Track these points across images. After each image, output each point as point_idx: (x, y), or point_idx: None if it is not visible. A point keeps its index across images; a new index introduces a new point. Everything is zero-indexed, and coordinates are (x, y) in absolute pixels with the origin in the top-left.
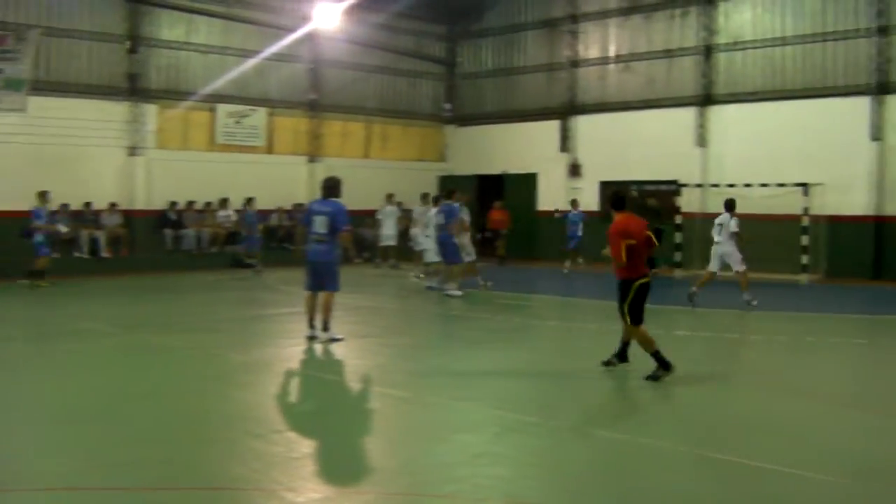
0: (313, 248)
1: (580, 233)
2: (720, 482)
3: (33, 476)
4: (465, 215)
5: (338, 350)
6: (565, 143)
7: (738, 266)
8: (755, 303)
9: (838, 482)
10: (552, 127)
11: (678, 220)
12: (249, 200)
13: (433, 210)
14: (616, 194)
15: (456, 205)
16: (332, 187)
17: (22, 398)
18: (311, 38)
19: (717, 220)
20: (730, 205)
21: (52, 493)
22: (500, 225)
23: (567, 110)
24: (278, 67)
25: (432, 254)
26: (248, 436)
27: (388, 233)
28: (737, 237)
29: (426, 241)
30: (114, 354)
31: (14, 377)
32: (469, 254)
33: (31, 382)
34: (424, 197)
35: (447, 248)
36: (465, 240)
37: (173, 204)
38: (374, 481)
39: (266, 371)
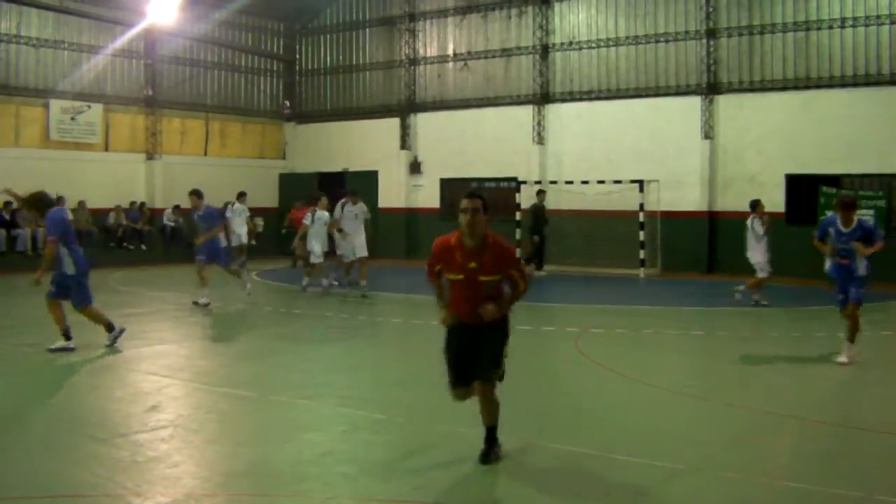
0: None
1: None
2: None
3: None
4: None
5: (180, 352)
6: (405, 140)
7: (760, 272)
8: (764, 302)
9: (674, 468)
10: (392, 124)
11: (517, 216)
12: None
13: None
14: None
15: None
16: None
17: None
18: (147, 33)
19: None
20: (753, 205)
21: None
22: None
23: (406, 108)
24: (114, 63)
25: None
26: (90, 440)
27: (239, 231)
28: (760, 238)
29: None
30: None
31: None
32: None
33: None
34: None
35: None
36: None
37: (7, 204)
38: (223, 483)
39: (107, 373)
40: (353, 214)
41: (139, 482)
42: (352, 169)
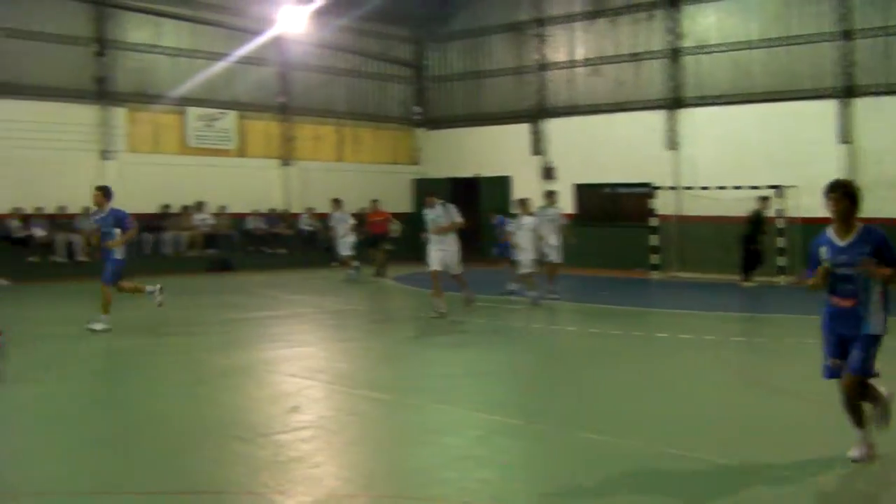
0: None
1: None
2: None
3: (14, 481)
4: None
5: (320, 354)
6: (537, 145)
7: None
8: None
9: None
10: (523, 130)
11: (653, 222)
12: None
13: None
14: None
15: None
16: None
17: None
18: (278, 41)
19: None
20: None
21: (37, 497)
22: (379, 228)
23: (537, 113)
24: (247, 70)
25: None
26: (234, 440)
27: (342, 239)
28: None
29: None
30: (93, 358)
31: None
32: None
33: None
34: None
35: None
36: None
37: (166, 207)
38: (364, 484)
39: (249, 375)
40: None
41: (281, 481)
42: (484, 174)
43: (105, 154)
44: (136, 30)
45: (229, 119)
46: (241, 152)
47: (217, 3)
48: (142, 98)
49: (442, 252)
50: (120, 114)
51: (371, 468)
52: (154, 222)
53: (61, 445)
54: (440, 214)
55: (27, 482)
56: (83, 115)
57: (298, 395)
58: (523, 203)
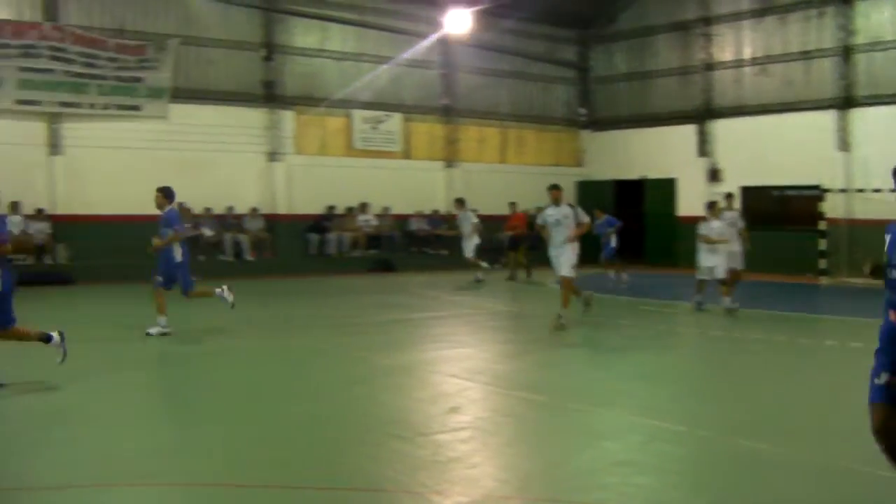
0: None
1: (613, 243)
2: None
3: (181, 472)
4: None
5: (480, 355)
6: (703, 147)
7: None
8: None
9: None
10: (689, 131)
11: (822, 226)
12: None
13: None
14: None
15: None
16: None
17: (168, 397)
18: (442, 43)
19: None
20: None
21: (203, 488)
22: (518, 230)
23: (703, 114)
24: (411, 73)
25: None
26: (393, 438)
27: (467, 238)
28: None
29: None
30: (258, 357)
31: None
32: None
33: (170, 382)
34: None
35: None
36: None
37: (331, 208)
38: (518, 486)
39: (409, 374)
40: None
41: (439, 481)
42: (650, 176)
43: (273, 156)
44: (303, 35)
45: (394, 121)
46: (406, 154)
47: (382, 7)
48: (309, 101)
49: (560, 253)
50: (288, 117)
51: (528, 470)
52: (319, 223)
53: (224, 440)
54: (566, 215)
55: (192, 474)
56: (252, 118)
57: (458, 395)
58: (712, 206)
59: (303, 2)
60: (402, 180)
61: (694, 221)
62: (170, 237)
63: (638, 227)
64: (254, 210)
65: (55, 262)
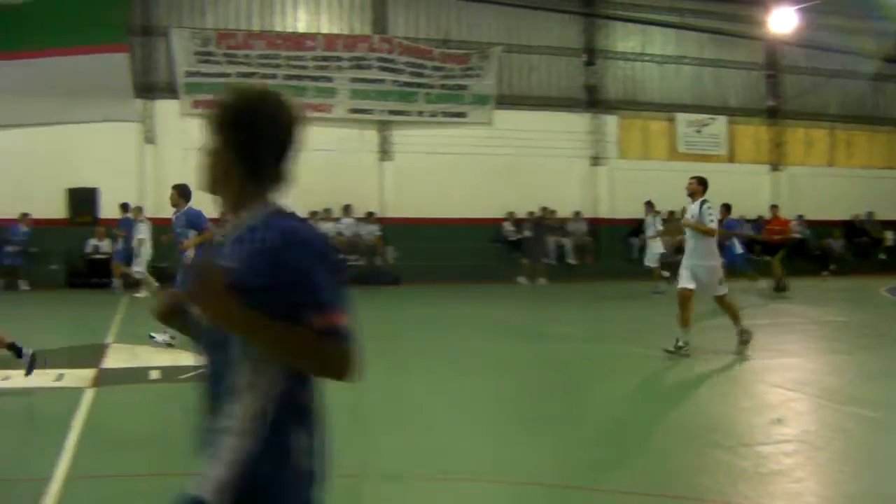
0: None
1: (739, 249)
2: None
3: (511, 470)
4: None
5: (807, 366)
6: None
7: None
8: None
9: None
10: None
11: None
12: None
13: None
14: None
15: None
16: None
17: (482, 397)
18: (767, 44)
19: None
20: None
21: (519, 486)
22: (777, 236)
23: None
24: (735, 75)
25: None
26: (715, 447)
27: (651, 249)
28: None
29: None
30: (579, 360)
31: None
32: None
33: (492, 382)
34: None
35: None
36: None
37: (671, 213)
38: None
39: (734, 383)
40: None
41: (760, 493)
42: None
43: (596, 160)
44: (623, 39)
45: (719, 124)
46: (730, 157)
47: (703, 9)
48: (631, 105)
49: (692, 265)
50: (610, 121)
51: (854, 489)
52: (642, 228)
53: (539, 439)
54: (694, 213)
55: (516, 473)
56: (575, 122)
57: (782, 406)
58: None
59: (622, 6)
60: (725, 184)
61: None
62: (204, 236)
63: None
64: (577, 214)
65: (384, 262)
